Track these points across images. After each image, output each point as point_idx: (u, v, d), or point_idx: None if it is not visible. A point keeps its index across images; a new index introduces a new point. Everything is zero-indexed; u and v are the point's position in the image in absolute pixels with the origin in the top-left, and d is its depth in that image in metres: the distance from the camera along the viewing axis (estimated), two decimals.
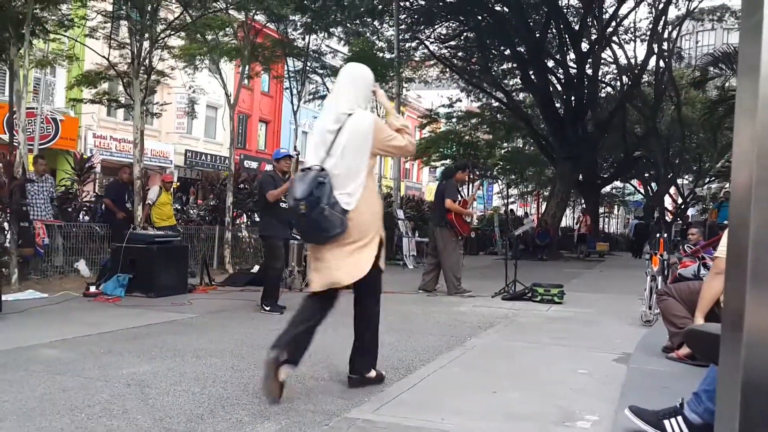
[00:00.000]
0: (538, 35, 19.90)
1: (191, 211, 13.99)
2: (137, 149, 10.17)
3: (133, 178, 10.00)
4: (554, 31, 20.91)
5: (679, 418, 2.76)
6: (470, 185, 24.15)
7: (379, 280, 3.69)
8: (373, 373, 3.71)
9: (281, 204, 6.87)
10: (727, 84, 18.13)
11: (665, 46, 23.52)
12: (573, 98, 21.41)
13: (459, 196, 8.88)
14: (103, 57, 11.13)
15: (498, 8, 19.89)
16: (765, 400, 0.88)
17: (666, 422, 2.78)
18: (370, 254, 3.49)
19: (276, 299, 6.73)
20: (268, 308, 6.60)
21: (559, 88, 22.29)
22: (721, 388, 0.97)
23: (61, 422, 2.91)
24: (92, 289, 7.49)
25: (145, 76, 10.61)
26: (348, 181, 3.41)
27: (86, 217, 11.37)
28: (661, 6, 21.29)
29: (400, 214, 15.24)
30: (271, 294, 6.72)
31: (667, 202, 31.93)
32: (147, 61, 10.38)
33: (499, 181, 33.59)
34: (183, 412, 3.12)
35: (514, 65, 22.13)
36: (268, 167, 9.31)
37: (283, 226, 6.94)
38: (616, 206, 47.81)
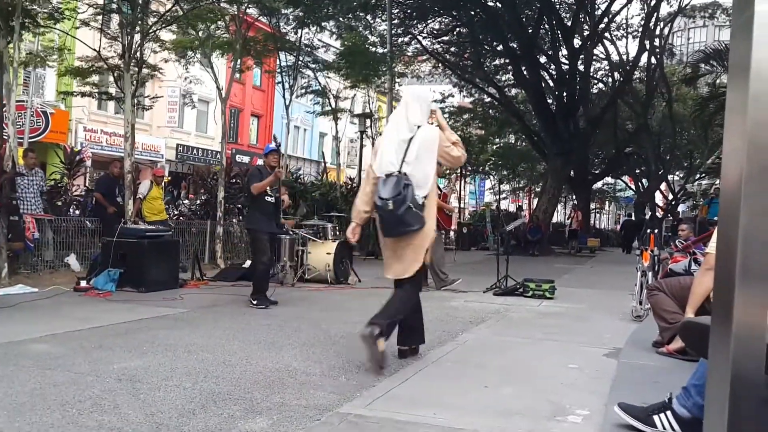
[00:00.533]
0: (530, 31, 19.92)
1: (183, 203, 13.94)
2: (128, 143, 10.12)
3: (124, 173, 9.95)
4: (547, 26, 20.95)
5: (669, 412, 2.78)
6: (462, 179, 24.20)
7: (424, 269, 4.35)
8: (382, 340, 3.92)
9: (267, 198, 6.83)
10: (718, 81, 18.23)
11: (657, 42, 23.61)
12: (565, 94, 21.47)
13: (438, 189, 8.88)
14: (94, 50, 11.05)
15: (491, 3, 19.90)
16: (753, 394, 0.89)
17: (655, 417, 2.80)
18: (425, 248, 4.12)
19: (264, 293, 6.72)
20: (255, 302, 6.59)
21: (552, 84, 22.34)
22: (711, 381, 0.98)
23: (52, 417, 2.90)
24: (83, 283, 7.46)
25: (136, 69, 10.54)
26: (422, 183, 4.04)
27: (76, 212, 11.31)
28: (653, 2, 21.36)
29: None
30: (259, 288, 6.70)
31: (658, 199, 32.10)
32: (138, 54, 10.31)
33: (491, 177, 33.65)
34: (174, 407, 3.12)
35: (507, 61, 22.14)
36: (260, 162, 9.32)
37: (268, 220, 6.89)
38: (607, 202, 48.06)
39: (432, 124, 4.29)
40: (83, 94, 13.30)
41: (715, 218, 10.58)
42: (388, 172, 4.05)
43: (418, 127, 4.12)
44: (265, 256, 6.85)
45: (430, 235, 4.10)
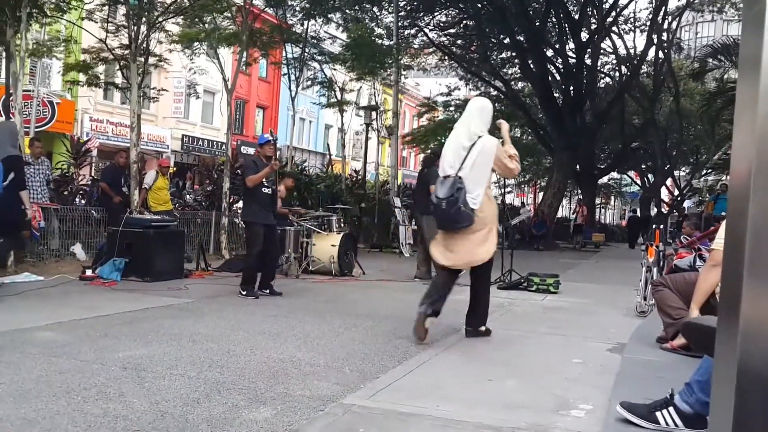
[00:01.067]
0: (537, 24, 19.80)
1: (187, 197, 13.97)
2: (134, 133, 10.14)
3: (130, 163, 9.97)
4: (554, 20, 20.81)
5: (671, 408, 2.79)
6: None
7: (492, 262, 4.85)
8: (483, 328, 4.89)
9: (264, 189, 6.77)
10: (725, 76, 18.12)
11: (665, 36, 23.44)
12: (572, 88, 21.34)
13: None
14: (101, 41, 11.04)
15: None
16: (760, 390, 0.89)
17: (658, 414, 2.80)
18: (493, 245, 4.68)
19: (253, 283, 6.74)
20: (244, 292, 6.62)
21: (558, 78, 22.22)
22: (717, 377, 0.98)
23: (58, 404, 2.92)
24: (88, 272, 7.49)
25: (142, 60, 10.53)
26: (475, 186, 4.53)
27: (82, 201, 11.33)
28: None
29: (397, 202, 15.23)
30: (247, 278, 6.72)
31: (664, 194, 31.98)
32: (144, 44, 10.31)
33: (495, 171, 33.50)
34: (179, 396, 3.14)
35: (513, 54, 22.03)
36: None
37: (266, 212, 6.83)
38: (612, 197, 47.90)
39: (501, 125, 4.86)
40: (90, 84, 13.31)
41: (722, 214, 10.55)
42: (446, 174, 4.60)
43: (480, 137, 4.60)
44: (257, 248, 6.77)
45: (481, 229, 4.56)
